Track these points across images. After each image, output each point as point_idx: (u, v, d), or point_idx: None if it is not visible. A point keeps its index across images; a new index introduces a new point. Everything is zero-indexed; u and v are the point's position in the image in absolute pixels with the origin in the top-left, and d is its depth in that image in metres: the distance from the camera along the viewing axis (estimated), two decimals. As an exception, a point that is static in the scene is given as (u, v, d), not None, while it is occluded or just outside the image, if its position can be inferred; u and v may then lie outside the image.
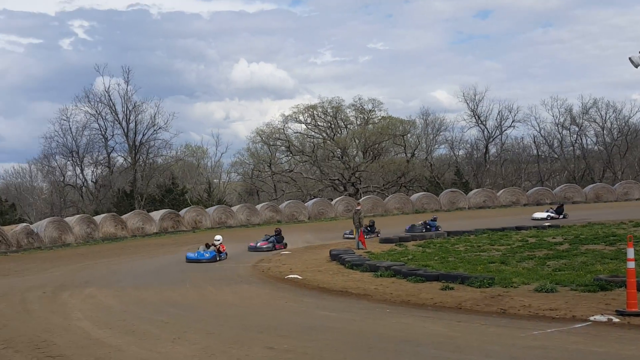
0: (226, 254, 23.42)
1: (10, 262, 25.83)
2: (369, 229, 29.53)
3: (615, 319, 10.16)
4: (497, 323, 10.68)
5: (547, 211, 35.24)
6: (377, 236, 29.03)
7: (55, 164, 52.78)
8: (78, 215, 36.29)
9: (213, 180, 61.00)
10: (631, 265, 10.57)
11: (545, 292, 12.63)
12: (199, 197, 51.27)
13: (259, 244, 26.05)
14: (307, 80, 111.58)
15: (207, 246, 23.19)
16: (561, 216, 34.25)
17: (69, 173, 53.17)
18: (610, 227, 26.28)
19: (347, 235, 29.49)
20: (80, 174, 52.86)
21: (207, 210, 40.76)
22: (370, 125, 61.01)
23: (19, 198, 54.49)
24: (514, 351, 8.54)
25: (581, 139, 61.09)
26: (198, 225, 38.80)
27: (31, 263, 25.30)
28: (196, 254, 22.62)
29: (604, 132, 60.36)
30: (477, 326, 10.48)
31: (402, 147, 60.95)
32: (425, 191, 50.27)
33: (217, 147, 72.00)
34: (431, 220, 31.69)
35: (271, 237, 26.68)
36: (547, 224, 29.27)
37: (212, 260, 22.28)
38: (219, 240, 23.29)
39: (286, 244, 26.72)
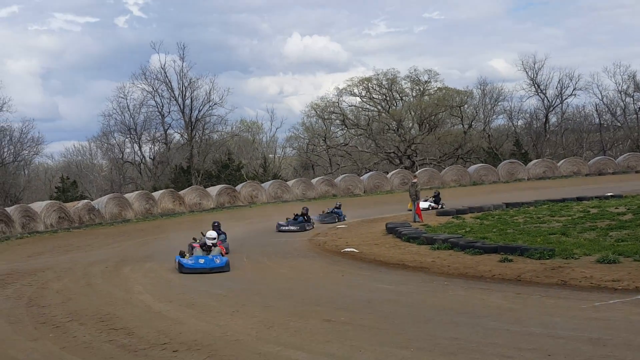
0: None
1: (73, 238, 26.64)
2: (337, 211, 27.60)
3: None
4: (558, 295, 10.50)
5: (426, 200, 30.99)
6: (313, 228, 25.02)
7: (114, 141, 53.92)
8: (137, 192, 37.07)
9: (268, 155, 61.38)
10: (699, 234, 10.21)
11: (608, 263, 12.33)
12: (255, 172, 51.71)
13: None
14: (361, 52, 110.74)
15: (206, 248, 15.81)
16: (440, 206, 30.44)
17: (128, 150, 54.27)
18: (677, 196, 25.40)
19: (283, 228, 24.51)
20: (139, 151, 53.91)
21: (262, 185, 41.03)
22: (426, 97, 60.18)
23: (79, 175, 55.93)
24: (575, 323, 8.39)
25: (645, 106, 58.99)
26: (254, 200, 39.18)
27: (93, 239, 26.03)
28: (202, 261, 15.08)
29: (670, 98, 58.09)
30: (537, 298, 10.33)
31: (459, 118, 59.99)
32: (483, 162, 49.50)
33: (272, 122, 72.30)
34: (336, 208, 28.65)
35: (220, 233, 18.65)
36: (609, 194, 28.42)
37: (226, 268, 15.03)
38: (214, 238, 16.04)
39: (227, 249, 17.74)
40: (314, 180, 43.24)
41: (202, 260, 15.01)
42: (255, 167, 54.74)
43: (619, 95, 59.02)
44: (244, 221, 28.86)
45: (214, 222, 19.78)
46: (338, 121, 60.66)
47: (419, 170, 46.29)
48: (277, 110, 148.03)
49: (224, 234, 19.34)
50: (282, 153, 65.89)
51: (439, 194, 31.95)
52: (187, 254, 16.17)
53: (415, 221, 23.81)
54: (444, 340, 7.85)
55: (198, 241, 17.47)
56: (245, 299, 11.38)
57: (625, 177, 41.65)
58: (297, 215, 25.42)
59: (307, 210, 25.83)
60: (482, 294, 11.11)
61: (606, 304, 9.51)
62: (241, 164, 51.60)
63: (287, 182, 42.60)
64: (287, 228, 24.35)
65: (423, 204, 29.85)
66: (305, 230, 24.36)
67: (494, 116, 61.08)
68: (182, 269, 14.92)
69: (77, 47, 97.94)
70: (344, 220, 27.32)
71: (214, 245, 15.81)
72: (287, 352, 7.63)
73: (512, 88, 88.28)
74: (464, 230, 19.56)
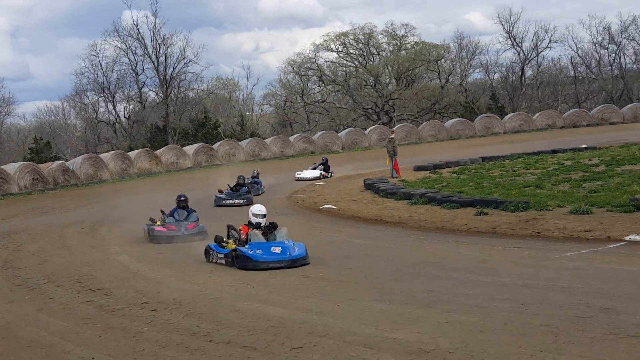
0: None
1: (47, 200, 26.43)
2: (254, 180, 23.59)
3: (652, 239, 10.10)
4: (532, 246, 10.70)
5: (315, 168, 28.32)
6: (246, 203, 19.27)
7: (88, 100, 53.18)
8: (112, 152, 36.83)
9: (245, 112, 61.01)
10: (669, 184, 10.41)
11: (580, 214, 12.55)
12: (232, 131, 51.46)
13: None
14: (338, 6, 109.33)
15: (266, 231, 10.95)
16: (329, 174, 28.06)
17: (102, 109, 53.61)
18: (649, 146, 25.77)
19: (225, 202, 20.33)
20: (113, 110, 53.30)
21: (240, 143, 41.00)
22: (403, 52, 59.93)
23: (53, 136, 54.99)
24: (548, 272, 8.56)
25: (619, 58, 59.37)
26: (232, 159, 39.11)
27: (68, 200, 25.85)
28: (277, 249, 10.26)
29: (644, 49, 58.45)
30: (512, 249, 10.52)
31: (436, 73, 59.96)
32: (460, 117, 49.72)
33: (248, 79, 72.00)
34: (253, 177, 23.95)
35: (190, 212, 14.66)
36: (584, 146, 28.69)
37: (307, 259, 10.36)
38: (265, 215, 11.20)
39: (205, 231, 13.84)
40: (291, 138, 43.25)
41: (277, 249, 10.27)
42: (232, 125, 54.43)
43: (594, 47, 59.34)
44: (223, 179, 28.79)
45: (180, 196, 14.94)
46: (315, 77, 60.30)
47: (396, 126, 46.41)
48: (254, 67, 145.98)
49: (194, 211, 14.79)
50: (260, 110, 65.56)
51: (327, 160, 29.07)
52: (149, 236, 13.57)
53: (393, 177, 23.96)
54: (420, 293, 7.98)
55: (158, 222, 14.03)
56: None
57: (599, 129, 42.14)
58: (235, 185, 21.26)
59: (244, 179, 21.78)
60: (458, 247, 11.29)
61: (578, 253, 9.71)
62: (218, 122, 51.31)
63: (265, 140, 42.62)
64: (231, 202, 20.19)
65: (313, 172, 27.65)
66: (252, 204, 17.34)
67: (471, 70, 61.32)
68: (248, 262, 10.11)
69: (46, 4, 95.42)
70: (264, 192, 23.46)
71: (273, 225, 11.06)
72: (265, 308, 7.71)
73: (488, 42, 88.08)
74: (440, 185, 19.74)
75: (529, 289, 7.75)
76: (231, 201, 20.34)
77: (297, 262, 10.11)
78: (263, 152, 40.48)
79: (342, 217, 16.28)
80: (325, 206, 18.17)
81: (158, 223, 14.03)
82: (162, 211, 14.64)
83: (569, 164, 22.17)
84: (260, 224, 11.02)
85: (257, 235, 10.65)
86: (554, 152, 27.61)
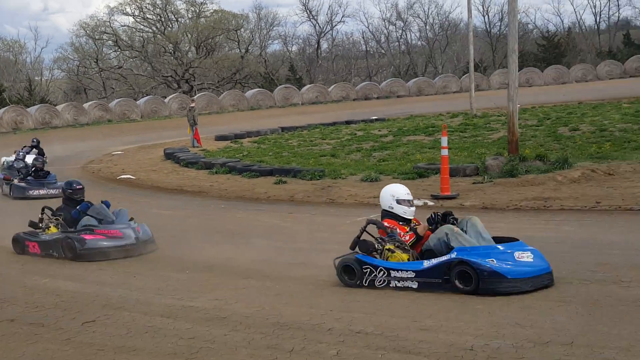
0: None
1: None
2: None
3: (430, 202, 11.07)
4: (326, 212, 11.26)
5: (29, 152, 18.29)
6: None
7: None
8: None
9: (34, 77, 56.89)
10: (445, 152, 11.46)
11: (370, 181, 13.39)
12: (19, 96, 47.79)
13: None
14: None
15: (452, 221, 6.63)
16: (45, 157, 18.22)
17: None
18: (430, 118, 27.91)
19: (32, 193, 14.77)
20: None
21: (28, 109, 38.38)
22: (203, 19, 59.10)
23: None
24: (339, 237, 8.97)
25: (406, 35, 63.60)
26: (19, 126, 36.50)
27: None
28: (528, 257, 6.13)
29: (427, 27, 63.10)
30: (307, 216, 11.00)
31: (236, 43, 59.96)
32: (260, 87, 50.31)
33: (37, 42, 67.08)
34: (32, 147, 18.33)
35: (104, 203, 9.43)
36: (374, 118, 30.39)
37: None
38: (411, 198, 7.15)
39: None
40: (86, 105, 41.36)
41: (525, 256, 6.16)
42: (19, 91, 50.52)
43: (383, 23, 62.98)
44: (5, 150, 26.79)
45: (73, 183, 9.62)
46: (110, 42, 57.64)
47: (197, 95, 45.88)
48: (42, 29, 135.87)
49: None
50: (50, 75, 61.45)
51: (39, 142, 19.23)
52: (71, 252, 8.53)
53: (194, 146, 23.78)
54: (219, 260, 8.10)
55: (53, 228, 9.21)
56: (3, 232, 10.62)
57: (388, 101, 44.89)
58: (35, 170, 15.51)
59: (43, 162, 16.21)
60: (258, 214, 11.56)
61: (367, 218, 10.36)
62: (2, 86, 47.43)
63: (57, 107, 40.27)
64: (42, 193, 14.69)
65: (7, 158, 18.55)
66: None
67: (270, 41, 62.27)
68: (497, 283, 5.91)
69: None
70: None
71: (453, 216, 6.71)
72: (56, 283, 7.41)
73: (286, 13, 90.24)
74: (241, 154, 19.99)
75: (322, 252, 8.00)
76: (42, 192, 14.69)
77: (552, 276, 6.17)
78: (54, 120, 38.16)
79: (141, 187, 15.95)
80: (123, 176, 17.67)
81: (52, 230, 9.19)
82: (47, 209, 9.59)
83: (361, 134, 23.40)
84: (439, 214, 6.75)
85: (461, 235, 6.32)
86: (348, 123, 28.93)
